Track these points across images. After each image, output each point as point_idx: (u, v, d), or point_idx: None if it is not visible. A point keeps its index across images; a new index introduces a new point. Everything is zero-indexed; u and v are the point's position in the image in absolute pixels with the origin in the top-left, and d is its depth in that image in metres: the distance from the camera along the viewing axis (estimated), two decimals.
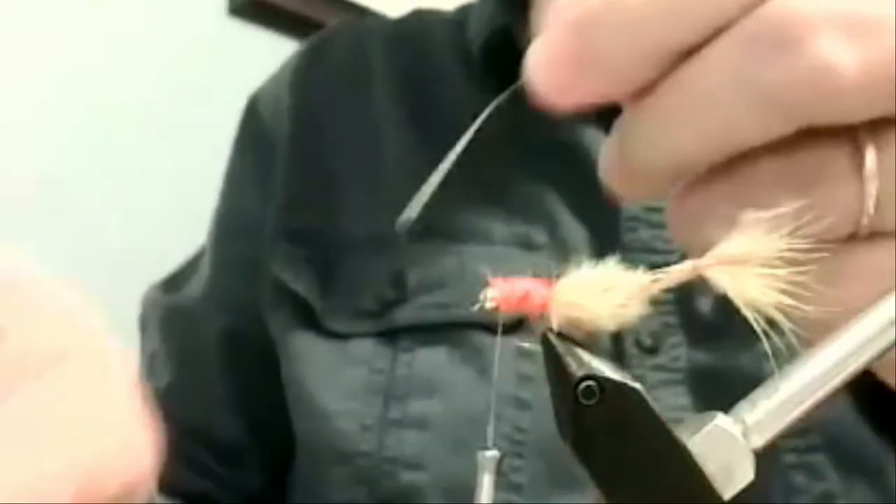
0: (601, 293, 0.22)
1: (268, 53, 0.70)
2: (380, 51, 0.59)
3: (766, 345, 0.21)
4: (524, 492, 0.43)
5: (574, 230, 0.48)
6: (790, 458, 0.42)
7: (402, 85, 0.57)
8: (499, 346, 0.24)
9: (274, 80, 0.62)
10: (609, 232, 0.48)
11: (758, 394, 0.21)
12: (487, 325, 0.45)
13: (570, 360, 0.21)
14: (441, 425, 0.45)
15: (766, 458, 0.40)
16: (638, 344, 0.46)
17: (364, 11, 1.19)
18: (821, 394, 0.21)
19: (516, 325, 0.44)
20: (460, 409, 0.45)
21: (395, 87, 0.57)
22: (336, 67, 0.60)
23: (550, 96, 0.22)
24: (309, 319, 0.50)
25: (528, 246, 0.48)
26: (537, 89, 0.22)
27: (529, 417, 0.44)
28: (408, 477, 0.44)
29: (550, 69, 0.22)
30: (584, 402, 0.21)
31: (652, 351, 0.46)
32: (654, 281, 0.23)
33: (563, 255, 0.47)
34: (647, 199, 0.25)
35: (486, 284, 0.23)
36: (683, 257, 0.48)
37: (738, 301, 0.21)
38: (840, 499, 0.41)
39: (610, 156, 0.23)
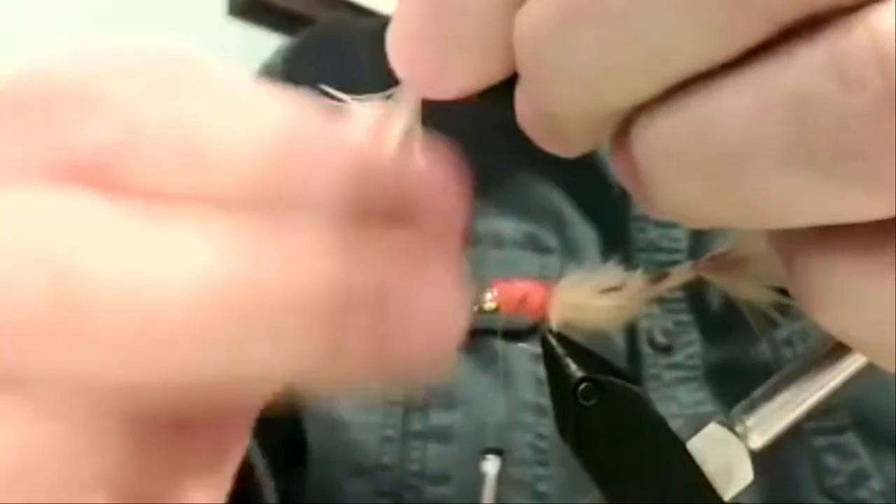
0: (601, 294, 0.22)
1: (267, 54, 0.70)
2: (368, 50, 0.59)
3: (766, 343, 0.21)
4: (550, 499, 0.43)
5: (583, 231, 0.48)
6: (820, 441, 0.41)
7: (390, 85, 0.57)
8: (501, 348, 0.24)
9: (263, 77, 0.62)
10: (618, 232, 0.47)
11: (757, 394, 0.21)
12: (502, 331, 0.45)
13: (569, 361, 0.22)
14: (464, 437, 0.44)
15: (796, 442, 0.40)
16: (652, 343, 0.45)
17: (364, 11, 1.17)
18: (821, 394, 0.21)
19: (532, 330, 0.43)
20: (482, 420, 0.44)
21: (383, 86, 0.56)
22: (323, 67, 0.60)
23: (422, 89, 0.18)
24: None
25: (538, 248, 0.48)
26: (403, 80, 0.18)
27: (550, 424, 0.44)
28: (433, 491, 0.44)
29: (407, 53, 0.17)
30: (584, 402, 0.21)
31: (666, 350, 0.45)
32: (654, 282, 0.23)
33: (572, 256, 0.47)
34: (583, 149, 0.19)
35: (486, 286, 0.23)
36: (690, 256, 0.48)
37: (738, 301, 0.21)
38: (873, 476, 0.41)
39: (524, 103, 0.18)
